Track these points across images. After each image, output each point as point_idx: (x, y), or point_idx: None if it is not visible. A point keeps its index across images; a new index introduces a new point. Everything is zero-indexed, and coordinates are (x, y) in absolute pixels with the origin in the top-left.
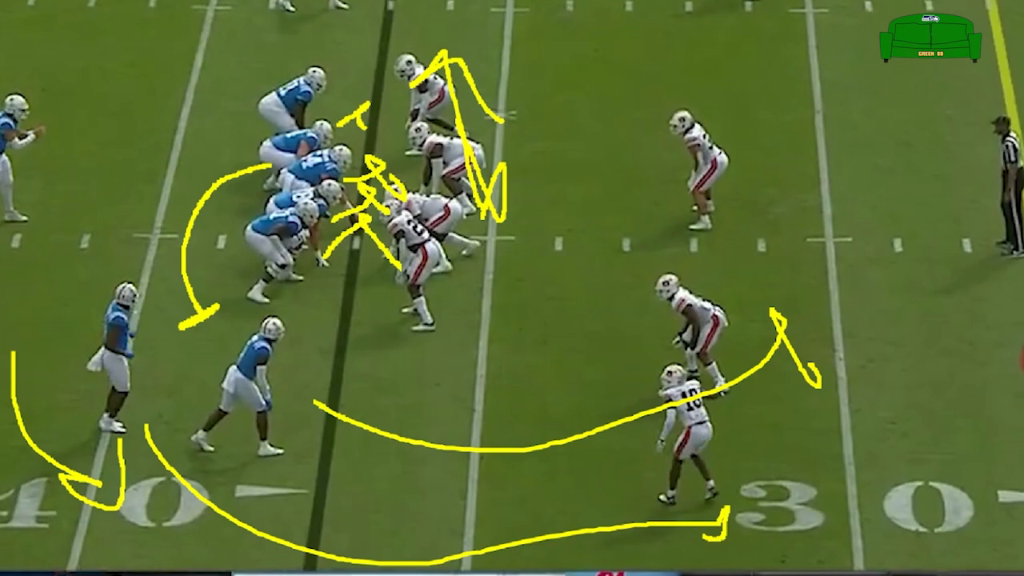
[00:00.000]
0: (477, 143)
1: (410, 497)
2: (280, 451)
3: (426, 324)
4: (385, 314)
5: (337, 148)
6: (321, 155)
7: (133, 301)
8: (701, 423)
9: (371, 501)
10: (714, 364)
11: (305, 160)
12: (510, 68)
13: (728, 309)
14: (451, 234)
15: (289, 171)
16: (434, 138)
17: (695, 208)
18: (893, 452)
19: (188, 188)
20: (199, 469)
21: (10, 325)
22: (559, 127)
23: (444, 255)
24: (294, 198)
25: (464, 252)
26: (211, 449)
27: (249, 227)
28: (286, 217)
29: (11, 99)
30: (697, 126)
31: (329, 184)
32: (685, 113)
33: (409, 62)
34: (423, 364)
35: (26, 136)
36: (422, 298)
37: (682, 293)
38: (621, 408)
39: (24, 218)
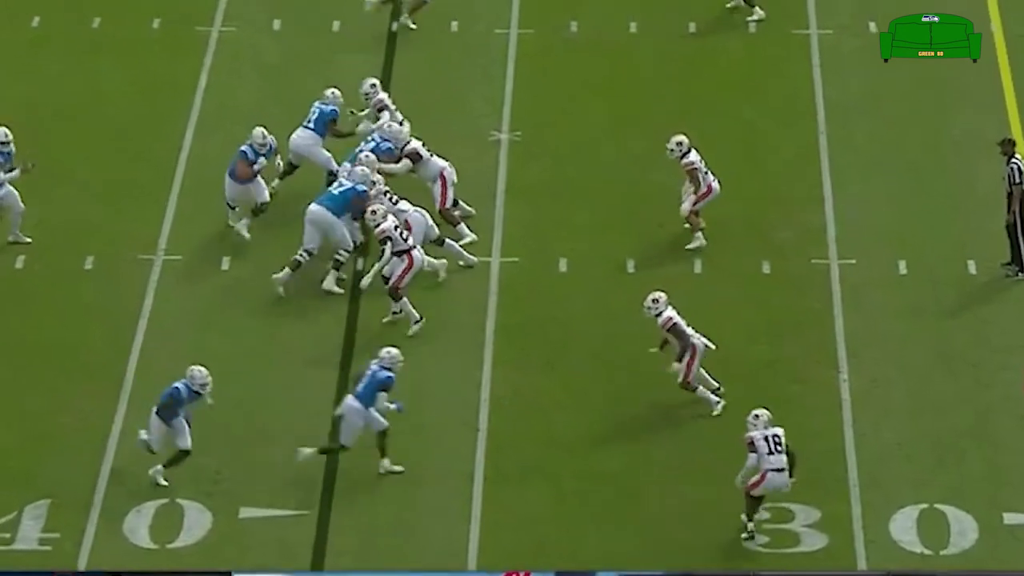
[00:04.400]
0: (446, 160)
1: (414, 519)
2: (401, 469)
3: (416, 322)
4: (391, 335)
5: (385, 125)
6: (372, 139)
7: (203, 386)
8: (779, 470)
9: (374, 523)
10: (700, 387)
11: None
12: (514, 89)
13: (732, 330)
14: (449, 241)
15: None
16: (416, 144)
17: (687, 226)
18: (898, 474)
19: (192, 210)
20: (202, 491)
21: (13, 346)
22: (563, 148)
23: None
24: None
25: (460, 263)
26: (399, 469)
27: (318, 206)
28: (354, 187)
29: None
30: (694, 151)
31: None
32: (683, 137)
33: (373, 85)
34: (427, 385)
35: (13, 171)
36: (404, 299)
37: (670, 312)
38: (626, 430)
39: (28, 240)
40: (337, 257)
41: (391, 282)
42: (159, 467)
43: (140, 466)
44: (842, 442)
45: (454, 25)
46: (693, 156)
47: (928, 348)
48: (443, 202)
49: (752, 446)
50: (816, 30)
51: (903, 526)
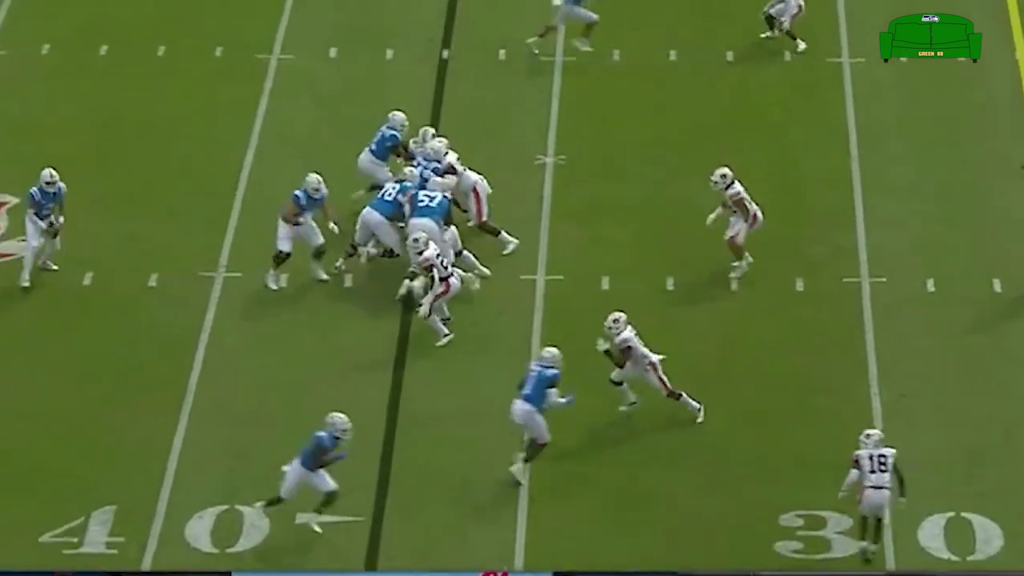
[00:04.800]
0: (480, 174)
1: (464, 525)
2: (522, 483)
3: (445, 335)
4: (440, 349)
5: (427, 147)
6: (419, 164)
7: (344, 431)
8: (877, 488)
9: (426, 528)
10: (683, 395)
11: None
12: (559, 114)
13: (767, 345)
14: (466, 252)
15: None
16: (453, 159)
17: (733, 255)
18: (926, 484)
19: (251, 229)
20: (262, 498)
21: (81, 359)
22: (606, 171)
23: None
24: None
25: (475, 272)
26: (523, 482)
27: (426, 220)
28: (445, 195)
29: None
30: (737, 182)
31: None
32: (726, 170)
33: (434, 135)
34: (475, 398)
35: (46, 217)
36: (433, 317)
37: (627, 333)
38: (669, 445)
39: (55, 267)
40: (414, 269)
41: (423, 304)
42: (312, 514)
43: (201, 475)
44: None
45: (502, 53)
46: (738, 187)
47: (955, 363)
48: (479, 215)
49: (856, 463)
50: (848, 58)
51: (931, 533)
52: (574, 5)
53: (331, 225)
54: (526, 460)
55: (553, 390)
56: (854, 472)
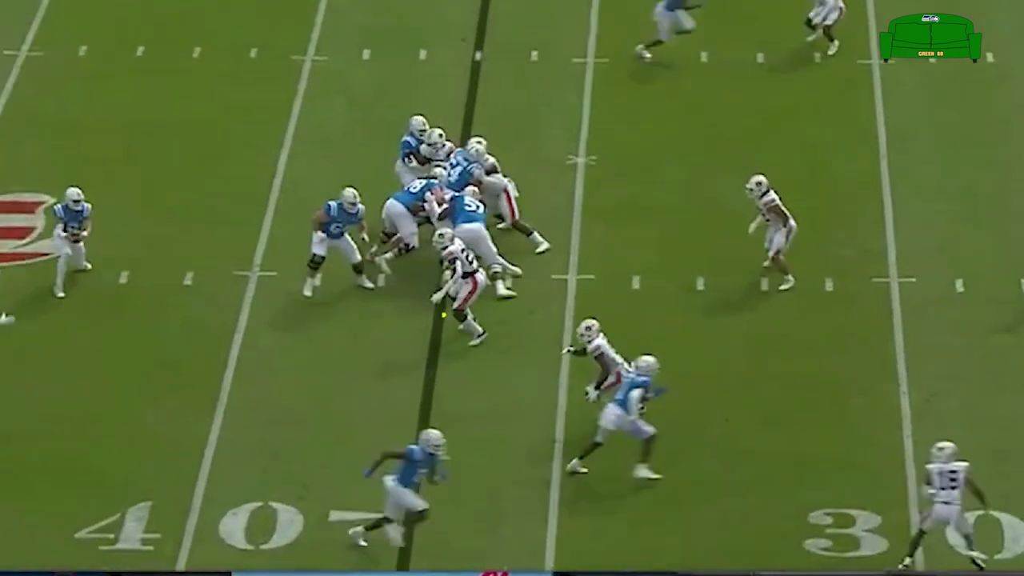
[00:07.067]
0: (505, 176)
1: (494, 522)
2: (658, 476)
3: (479, 336)
4: (471, 348)
5: (471, 149)
6: (457, 163)
7: (437, 447)
8: (945, 503)
9: (457, 525)
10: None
11: (449, 176)
12: (591, 115)
13: (797, 345)
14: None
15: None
16: (493, 160)
17: (768, 264)
18: None
19: (285, 229)
20: (295, 495)
21: (118, 357)
22: (637, 171)
23: (504, 281)
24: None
25: (508, 272)
26: (584, 471)
27: (476, 225)
28: (481, 203)
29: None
30: (772, 191)
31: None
32: (762, 178)
33: (441, 135)
34: (507, 397)
35: (72, 231)
36: (468, 319)
37: (599, 340)
38: (696, 442)
39: (62, 295)
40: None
41: (456, 304)
42: (360, 528)
43: (235, 472)
44: (902, 452)
45: (534, 55)
46: (772, 195)
47: (984, 363)
48: (513, 215)
49: (928, 478)
50: (877, 60)
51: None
52: (671, 11)
53: (362, 235)
54: (643, 461)
55: (637, 392)
56: (927, 488)
